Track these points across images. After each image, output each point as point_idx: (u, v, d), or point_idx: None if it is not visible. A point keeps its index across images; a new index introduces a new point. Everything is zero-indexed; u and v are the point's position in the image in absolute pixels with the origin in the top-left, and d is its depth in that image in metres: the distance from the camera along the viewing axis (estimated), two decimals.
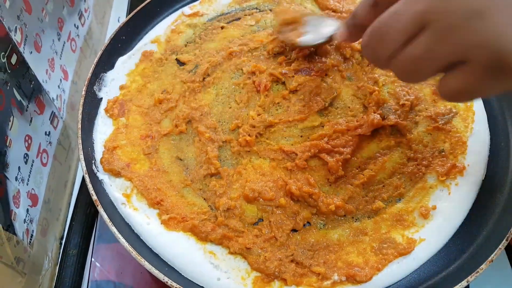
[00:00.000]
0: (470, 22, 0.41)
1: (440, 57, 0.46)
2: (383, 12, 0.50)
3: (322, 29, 0.82)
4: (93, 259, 0.80)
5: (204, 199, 0.73)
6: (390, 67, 0.52)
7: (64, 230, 0.88)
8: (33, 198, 0.77)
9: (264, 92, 0.82)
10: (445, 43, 0.44)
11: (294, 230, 0.69)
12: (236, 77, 0.87)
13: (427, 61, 0.47)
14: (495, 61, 0.42)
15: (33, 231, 0.76)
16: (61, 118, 0.91)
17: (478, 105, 0.81)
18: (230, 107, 0.83)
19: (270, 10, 0.99)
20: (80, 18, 1.04)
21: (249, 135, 0.77)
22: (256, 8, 1.00)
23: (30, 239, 0.75)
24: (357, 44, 0.86)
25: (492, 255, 0.62)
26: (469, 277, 0.60)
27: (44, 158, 0.83)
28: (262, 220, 0.70)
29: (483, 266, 0.61)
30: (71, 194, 0.94)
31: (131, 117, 0.83)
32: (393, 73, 0.54)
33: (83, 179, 0.78)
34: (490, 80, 0.44)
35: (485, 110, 0.81)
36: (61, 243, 0.86)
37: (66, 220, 0.90)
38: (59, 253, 0.85)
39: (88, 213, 0.86)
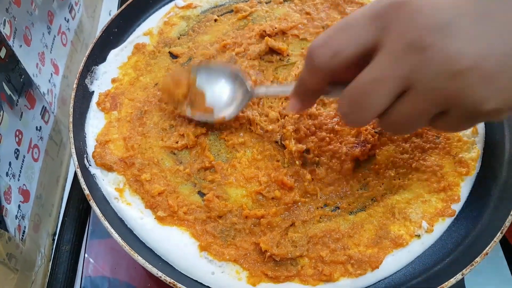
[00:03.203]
0: (452, 81, 0.45)
1: (426, 113, 0.49)
2: (341, 75, 0.52)
3: (230, 95, 0.75)
4: (86, 255, 0.80)
5: (198, 192, 0.73)
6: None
7: (56, 226, 0.87)
8: (25, 193, 0.76)
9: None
10: (430, 101, 0.47)
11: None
12: None
13: (415, 117, 0.50)
14: (470, 112, 0.48)
15: (25, 227, 0.75)
16: (53, 113, 0.90)
17: None
18: None
19: (266, 2, 0.98)
20: (70, 12, 1.02)
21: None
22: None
23: (22, 235, 0.74)
24: None
25: (487, 248, 0.61)
26: (464, 270, 0.60)
27: (36, 153, 0.82)
28: None
29: (478, 259, 0.60)
30: (64, 189, 0.94)
31: (124, 110, 0.82)
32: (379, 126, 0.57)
33: (76, 174, 0.77)
34: (465, 123, 0.51)
35: None
36: (54, 239, 0.86)
37: (59, 216, 0.89)
38: (52, 249, 0.84)
39: (80, 209, 0.85)
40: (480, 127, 0.78)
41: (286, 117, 0.77)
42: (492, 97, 0.45)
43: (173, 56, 0.90)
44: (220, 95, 0.75)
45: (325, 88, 0.58)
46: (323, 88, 0.58)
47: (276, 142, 0.75)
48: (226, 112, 0.74)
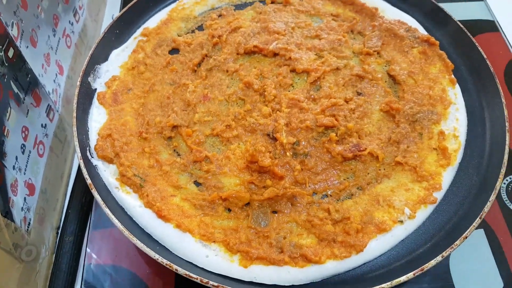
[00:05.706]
0: None
1: None
2: None
3: None
4: (88, 246, 0.82)
5: (194, 182, 0.76)
6: None
7: (60, 220, 0.90)
8: (30, 187, 0.80)
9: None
10: None
11: (274, 212, 0.72)
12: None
13: None
14: None
15: (30, 219, 0.78)
16: (57, 111, 0.94)
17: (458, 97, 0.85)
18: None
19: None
20: (74, 15, 1.06)
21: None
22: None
23: (28, 227, 0.77)
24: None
25: (466, 232, 0.65)
26: (443, 252, 0.63)
27: (41, 149, 0.85)
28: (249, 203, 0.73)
29: (457, 242, 0.64)
30: (67, 186, 0.96)
31: (124, 105, 0.85)
32: None
33: (79, 169, 0.79)
34: None
35: (464, 99, 0.85)
36: (57, 233, 0.88)
37: (63, 210, 0.91)
38: (56, 242, 0.87)
39: (83, 201, 0.88)
40: (463, 118, 0.81)
41: (278, 112, 0.81)
42: None
43: (172, 54, 0.94)
44: None
45: None
46: None
47: (268, 135, 0.79)
48: None
